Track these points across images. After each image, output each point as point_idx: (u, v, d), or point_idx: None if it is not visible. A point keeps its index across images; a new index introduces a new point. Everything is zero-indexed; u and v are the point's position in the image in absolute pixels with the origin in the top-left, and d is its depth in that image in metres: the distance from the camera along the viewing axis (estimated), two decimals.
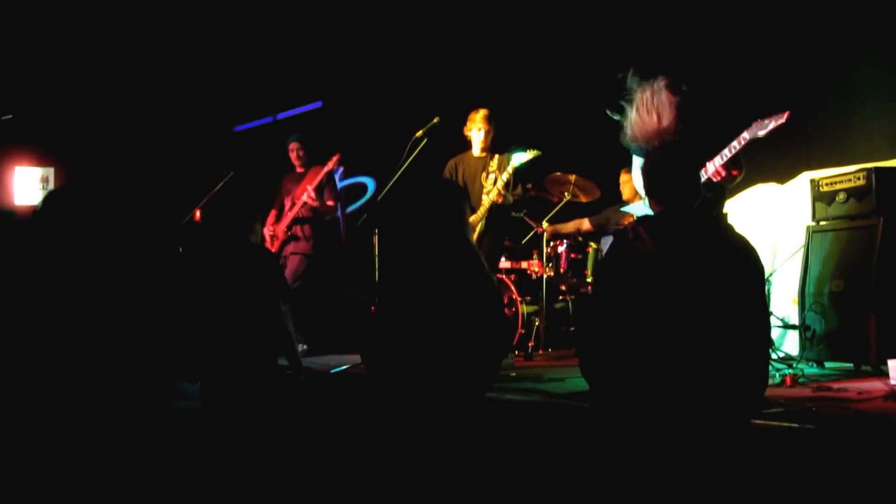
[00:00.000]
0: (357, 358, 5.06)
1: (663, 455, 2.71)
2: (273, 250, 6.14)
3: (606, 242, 6.26)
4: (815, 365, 4.88)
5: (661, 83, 4.02)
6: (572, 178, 6.27)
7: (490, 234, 5.43)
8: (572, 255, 6.46)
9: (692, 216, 2.99)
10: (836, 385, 4.10)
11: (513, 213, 5.93)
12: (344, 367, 5.18)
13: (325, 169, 6.20)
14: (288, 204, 6.31)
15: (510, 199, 5.40)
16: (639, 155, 4.31)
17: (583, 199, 6.44)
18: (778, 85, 5.97)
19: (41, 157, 7.26)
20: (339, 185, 6.77)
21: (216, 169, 6.50)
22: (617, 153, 4.58)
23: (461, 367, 3.43)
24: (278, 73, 7.66)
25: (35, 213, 3.10)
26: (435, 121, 5.56)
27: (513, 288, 6.14)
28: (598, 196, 6.45)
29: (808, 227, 5.07)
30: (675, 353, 2.75)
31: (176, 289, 3.71)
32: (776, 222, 5.86)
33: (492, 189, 5.36)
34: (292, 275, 6.05)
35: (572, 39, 7.24)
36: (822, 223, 5.02)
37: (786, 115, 3.76)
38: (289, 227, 6.27)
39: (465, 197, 3.83)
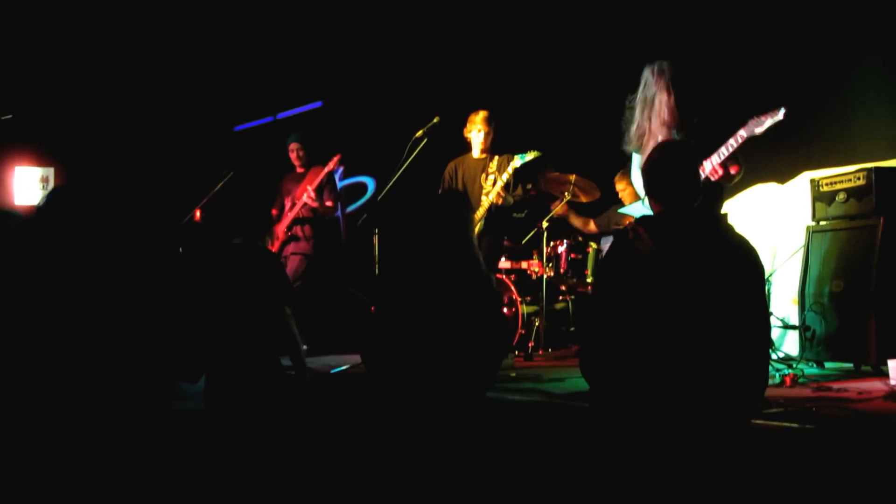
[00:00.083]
0: (357, 358, 5.06)
1: (663, 455, 2.71)
2: (273, 250, 6.15)
3: (606, 242, 6.26)
4: (815, 365, 4.88)
5: (659, 83, 4.03)
6: (572, 178, 6.27)
7: (489, 235, 5.43)
8: (572, 255, 6.46)
9: (692, 216, 2.99)
10: (836, 385, 4.10)
11: (514, 214, 5.93)
12: (344, 367, 5.18)
13: (326, 169, 6.20)
14: (288, 204, 6.32)
15: (510, 200, 5.40)
16: (637, 152, 4.32)
17: (583, 199, 6.44)
18: (778, 85, 5.97)
19: (41, 157, 7.26)
20: (339, 185, 6.77)
21: (216, 169, 6.50)
22: (617, 153, 4.57)
23: (461, 367, 3.43)
24: (278, 73, 7.66)
25: (36, 213, 3.10)
26: (435, 121, 5.56)
27: (513, 288, 6.14)
28: (598, 196, 6.44)
29: (808, 227, 5.07)
30: (675, 353, 2.75)
31: (176, 289, 3.71)
32: (776, 222, 5.86)
33: (491, 190, 5.36)
34: (292, 275, 6.05)
35: (572, 39, 7.25)
36: (822, 223, 5.02)
37: (782, 111, 3.75)
38: (289, 228, 6.27)
39: (468, 206, 3.84)
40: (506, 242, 6.33)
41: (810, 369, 4.76)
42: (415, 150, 5.56)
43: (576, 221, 6.50)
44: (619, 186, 6.01)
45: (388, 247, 5.70)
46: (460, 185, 5.51)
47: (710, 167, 3.91)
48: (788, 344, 5.32)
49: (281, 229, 6.29)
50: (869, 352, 4.48)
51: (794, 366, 4.54)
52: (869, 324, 4.48)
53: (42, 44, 7.12)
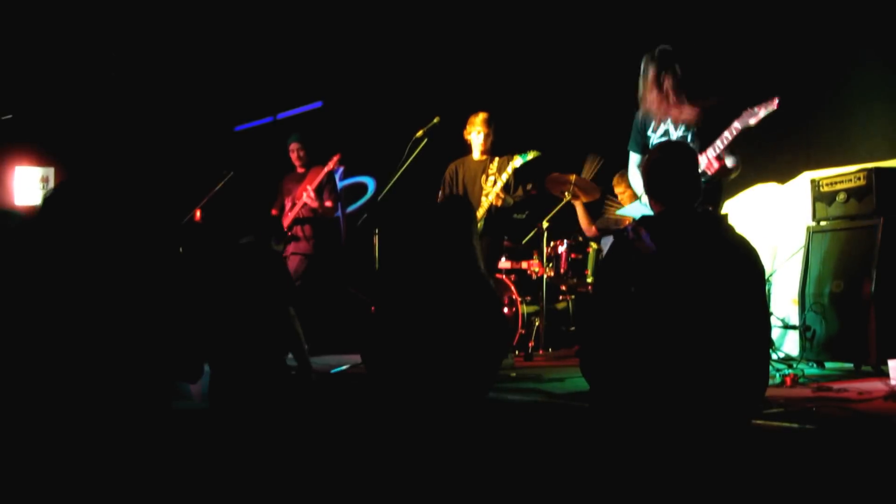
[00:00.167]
0: (357, 358, 5.06)
1: (664, 455, 2.71)
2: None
3: (607, 242, 6.26)
4: (815, 365, 4.88)
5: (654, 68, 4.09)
6: (572, 178, 6.27)
7: (489, 235, 5.43)
8: (572, 255, 6.46)
9: (692, 216, 2.99)
10: (836, 385, 4.10)
11: (515, 216, 5.93)
12: (344, 367, 5.18)
13: (326, 169, 6.20)
14: (288, 204, 6.32)
15: (510, 201, 5.40)
16: (635, 151, 4.34)
17: (583, 199, 6.44)
18: (778, 85, 5.97)
19: (41, 157, 7.26)
20: (339, 185, 6.77)
21: (216, 169, 6.51)
22: (617, 153, 4.58)
23: (461, 367, 3.43)
24: (278, 73, 7.66)
25: (37, 211, 3.10)
26: (435, 121, 5.56)
27: (513, 288, 6.14)
28: (598, 196, 6.44)
29: (808, 227, 5.07)
30: (676, 353, 2.75)
31: (177, 288, 3.70)
32: (776, 222, 5.86)
33: (491, 191, 5.36)
34: (293, 275, 6.06)
35: (572, 39, 7.25)
36: (822, 223, 5.02)
37: (775, 102, 3.74)
38: (289, 228, 6.27)
39: (471, 213, 3.84)
40: (506, 242, 6.33)
41: (810, 369, 4.76)
42: (415, 151, 5.56)
43: (583, 220, 6.49)
44: (619, 189, 5.99)
45: (389, 247, 5.70)
46: (461, 187, 5.51)
47: (705, 161, 3.89)
48: (788, 344, 5.32)
49: None
50: (869, 352, 4.48)
51: (794, 366, 4.55)
52: (869, 324, 4.48)
53: (42, 44, 7.12)
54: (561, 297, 6.56)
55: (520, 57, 7.47)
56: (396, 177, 5.62)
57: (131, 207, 3.11)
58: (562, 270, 6.41)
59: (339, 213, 6.84)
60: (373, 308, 3.96)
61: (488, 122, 5.48)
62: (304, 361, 4.14)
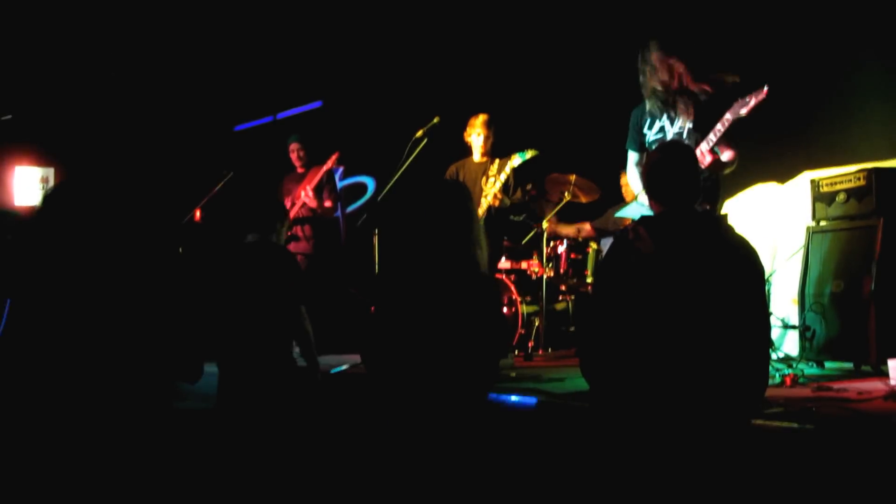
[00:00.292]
0: (357, 358, 5.06)
1: (664, 455, 2.71)
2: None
3: (607, 243, 6.26)
4: (815, 365, 4.88)
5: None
6: (572, 178, 6.27)
7: (489, 235, 5.43)
8: (572, 255, 6.46)
9: (692, 216, 2.99)
10: (836, 385, 4.10)
11: (512, 217, 5.93)
12: (344, 367, 5.18)
13: (324, 168, 6.20)
14: (288, 204, 6.32)
15: (507, 202, 5.40)
16: (633, 149, 4.33)
17: (583, 199, 6.44)
18: (778, 85, 5.96)
19: (41, 157, 7.26)
20: (339, 184, 6.77)
21: (216, 169, 6.50)
22: (617, 153, 4.58)
23: (460, 366, 3.43)
24: (278, 73, 7.66)
25: (37, 209, 3.10)
26: (435, 121, 5.57)
27: (513, 288, 6.14)
28: (598, 196, 6.45)
29: (808, 228, 5.07)
30: (676, 353, 2.75)
31: (177, 288, 3.70)
32: (776, 222, 5.86)
33: (489, 192, 5.36)
34: None
35: (572, 38, 7.25)
36: (822, 223, 5.02)
37: (765, 90, 3.77)
38: (289, 228, 6.28)
39: (468, 197, 3.81)
40: (506, 242, 6.33)
41: (810, 369, 4.76)
42: (415, 151, 5.56)
43: (567, 230, 6.49)
44: (624, 181, 6.00)
45: (388, 245, 5.70)
46: None
47: (698, 154, 3.89)
48: (788, 344, 5.32)
49: None
50: (869, 352, 4.48)
51: (794, 366, 4.54)
52: (869, 324, 4.49)
53: (42, 44, 7.12)
54: (561, 297, 6.56)
55: (519, 57, 7.46)
56: (396, 177, 5.62)
57: (131, 207, 3.10)
58: (562, 270, 6.41)
59: (339, 213, 6.84)
60: (372, 308, 3.96)
61: (488, 125, 5.48)
62: (312, 360, 4.14)
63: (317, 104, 7.71)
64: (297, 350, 4.25)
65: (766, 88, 3.76)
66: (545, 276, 6.05)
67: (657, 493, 2.68)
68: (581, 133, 6.96)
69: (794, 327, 5.19)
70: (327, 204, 6.29)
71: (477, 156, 5.54)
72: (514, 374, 4.86)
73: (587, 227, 6.48)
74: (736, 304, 2.79)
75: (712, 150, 3.91)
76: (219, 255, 4.08)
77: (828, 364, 4.88)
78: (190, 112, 7.52)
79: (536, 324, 6.11)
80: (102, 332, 2.93)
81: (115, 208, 3.05)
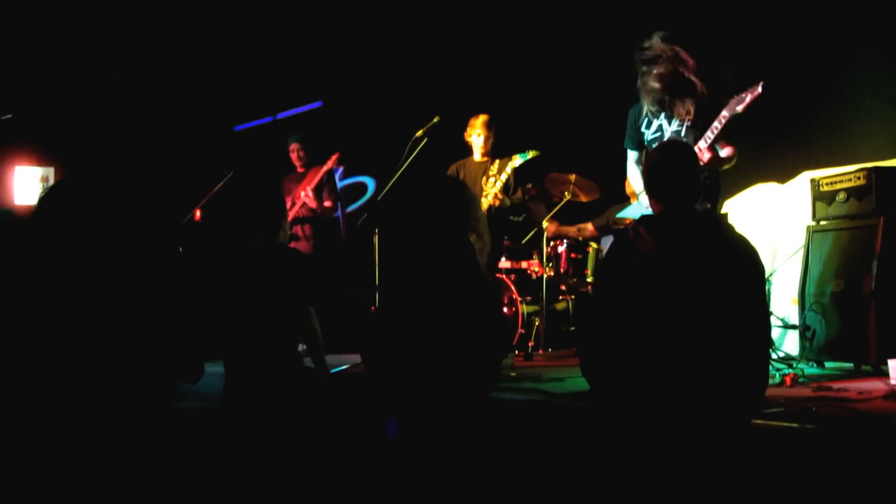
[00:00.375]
0: (357, 358, 5.06)
1: (664, 455, 2.71)
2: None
3: (607, 242, 6.26)
4: (815, 365, 4.88)
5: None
6: (572, 177, 6.27)
7: (489, 235, 5.43)
8: (572, 255, 6.46)
9: (692, 215, 2.99)
10: (836, 385, 4.10)
11: (511, 217, 5.92)
12: (344, 366, 5.18)
13: (324, 168, 6.20)
14: (288, 204, 6.31)
15: (507, 202, 5.40)
16: (632, 148, 4.32)
17: (583, 198, 6.44)
18: (778, 85, 5.97)
19: (41, 157, 7.26)
20: (339, 184, 6.77)
21: (216, 169, 6.50)
22: (617, 153, 4.58)
23: (460, 366, 3.43)
24: (278, 73, 7.66)
25: (35, 208, 3.10)
26: (435, 120, 5.57)
27: (513, 288, 6.14)
28: (598, 196, 6.44)
29: (808, 227, 5.07)
30: (676, 352, 2.75)
31: (176, 289, 3.70)
32: (776, 222, 5.86)
33: (490, 192, 5.36)
34: None
35: (572, 38, 7.25)
36: (822, 223, 5.02)
37: (760, 86, 3.79)
38: (289, 227, 6.27)
39: (467, 193, 3.80)
40: (506, 242, 6.33)
41: (810, 369, 4.76)
42: (415, 150, 5.56)
43: (570, 231, 6.49)
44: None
45: (388, 245, 5.70)
46: None
47: (696, 152, 3.90)
48: (788, 344, 5.32)
49: None
50: (869, 352, 4.48)
51: (794, 366, 4.54)
52: (869, 323, 4.48)
53: (42, 44, 7.12)
54: (561, 297, 6.56)
55: (519, 57, 7.46)
56: (396, 177, 5.62)
57: (130, 207, 3.10)
58: (562, 270, 6.41)
59: (339, 213, 6.83)
60: (373, 308, 3.96)
61: (488, 125, 5.48)
62: (320, 362, 4.15)
63: (317, 104, 7.71)
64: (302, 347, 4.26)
65: (761, 84, 3.77)
66: (545, 276, 6.05)
67: (658, 493, 2.68)
68: (581, 133, 6.96)
69: (794, 327, 5.19)
70: (327, 204, 6.28)
71: (477, 156, 5.54)
72: (514, 374, 4.86)
73: (589, 227, 6.47)
74: (736, 304, 2.79)
75: (711, 147, 3.92)
76: (226, 256, 4.06)
77: (828, 364, 4.88)
78: (190, 112, 7.52)
79: (536, 324, 6.11)
80: (102, 333, 2.93)
81: (113, 208, 3.04)
